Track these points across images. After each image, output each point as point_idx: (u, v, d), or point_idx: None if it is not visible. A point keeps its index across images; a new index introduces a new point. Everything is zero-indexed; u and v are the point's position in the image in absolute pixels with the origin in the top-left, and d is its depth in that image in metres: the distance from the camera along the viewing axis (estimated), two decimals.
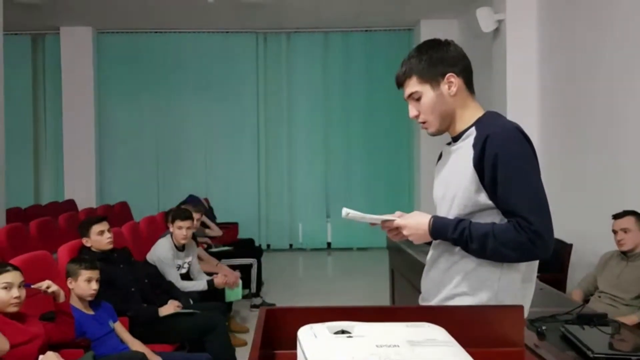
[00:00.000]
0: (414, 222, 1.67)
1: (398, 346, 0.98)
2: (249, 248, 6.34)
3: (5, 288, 2.53)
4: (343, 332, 1.05)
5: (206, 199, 7.76)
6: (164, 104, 9.17)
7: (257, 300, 5.69)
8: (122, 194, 8.69)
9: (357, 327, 1.06)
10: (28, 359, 2.52)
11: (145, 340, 3.31)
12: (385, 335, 1.02)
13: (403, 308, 1.32)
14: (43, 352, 2.58)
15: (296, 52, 9.31)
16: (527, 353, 1.29)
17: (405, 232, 1.67)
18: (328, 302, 5.96)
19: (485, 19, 6.11)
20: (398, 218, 1.70)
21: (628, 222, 3.49)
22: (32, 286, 2.65)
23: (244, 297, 5.83)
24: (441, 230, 1.62)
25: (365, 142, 9.31)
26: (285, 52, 9.30)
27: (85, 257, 3.25)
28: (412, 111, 1.74)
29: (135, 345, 3.23)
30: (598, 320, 2.53)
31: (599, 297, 3.52)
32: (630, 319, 3.08)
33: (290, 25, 9.08)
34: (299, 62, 9.31)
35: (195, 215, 5.00)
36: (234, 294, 4.68)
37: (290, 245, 9.38)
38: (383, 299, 5.41)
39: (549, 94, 5.62)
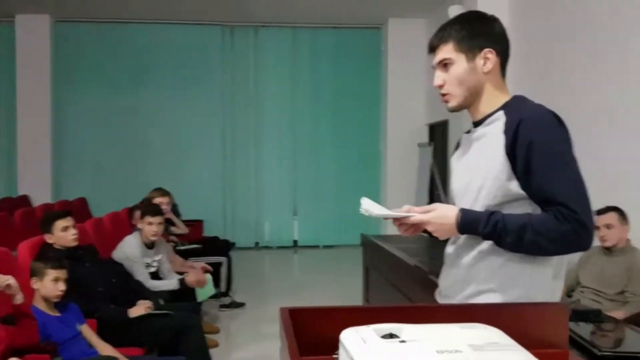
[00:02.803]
0: (440, 216, 1.53)
1: (461, 352, 0.85)
2: (218, 246, 6.13)
3: None
4: (391, 335, 0.91)
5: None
6: (126, 98, 8.83)
7: (227, 300, 5.50)
8: (80, 190, 8.35)
9: (406, 330, 0.93)
10: None
11: (115, 344, 3.10)
12: (442, 339, 0.89)
13: (438, 307, 1.19)
14: (6, 358, 2.37)
15: (264, 47, 9.13)
16: (572, 355, 1.18)
17: (430, 228, 1.53)
18: (298, 301, 5.85)
19: None
20: (417, 214, 1.55)
21: (611, 218, 3.45)
22: None
23: (213, 297, 5.65)
24: (471, 224, 1.49)
25: (334, 138, 9.23)
26: (253, 46, 9.12)
27: (51, 256, 3.02)
28: (438, 79, 1.61)
29: (105, 349, 3.02)
30: (594, 316, 2.48)
31: (582, 292, 3.49)
32: (616, 314, 3.05)
33: (257, 19, 8.89)
34: (267, 57, 9.14)
35: (164, 200, 4.82)
36: (204, 292, 4.49)
37: (256, 244, 9.21)
38: (354, 297, 5.33)
39: (522, 93, 5.60)
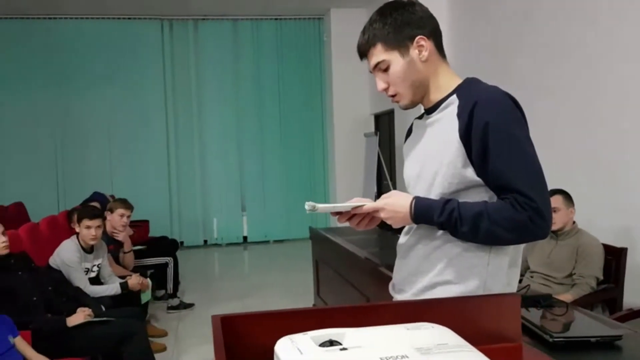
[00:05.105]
0: (394, 203, 1.44)
1: (407, 357, 0.77)
2: (164, 246, 5.93)
3: None
4: (331, 343, 0.82)
5: (112, 196, 7.23)
6: (62, 96, 8.47)
7: (175, 302, 5.33)
8: (17, 194, 7.91)
9: (348, 335, 0.84)
10: None
11: (52, 355, 2.93)
12: (387, 344, 0.81)
13: (386, 305, 1.11)
14: None
15: (204, 41, 8.93)
16: (525, 346, 1.12)
17: (383, 215, 1.44)
18: (250, 299, 5.73)
19: None
20: (369, 202, 1.47)
21: (556, 201, 3.46)
22: None
23: (159, 298, 5.48)
24: (426, 213, 1.41)
25: (279, 132, 9.13)
26: (193, 40, 8.90)
27: None
28: (380, 84, 1.51)
29: None
30: (544, 301, 2.45)
31: (531, 277, 3.50)
32: (565, 297, 3.06)
33: (197, 12, 8.67)
34: (208, 51, 8.94)
35: (127, 213, 4.59)
36: (145, 295, 4.35)
37: (205, 242, 9.03)
38: (306, 292, 5.26)
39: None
